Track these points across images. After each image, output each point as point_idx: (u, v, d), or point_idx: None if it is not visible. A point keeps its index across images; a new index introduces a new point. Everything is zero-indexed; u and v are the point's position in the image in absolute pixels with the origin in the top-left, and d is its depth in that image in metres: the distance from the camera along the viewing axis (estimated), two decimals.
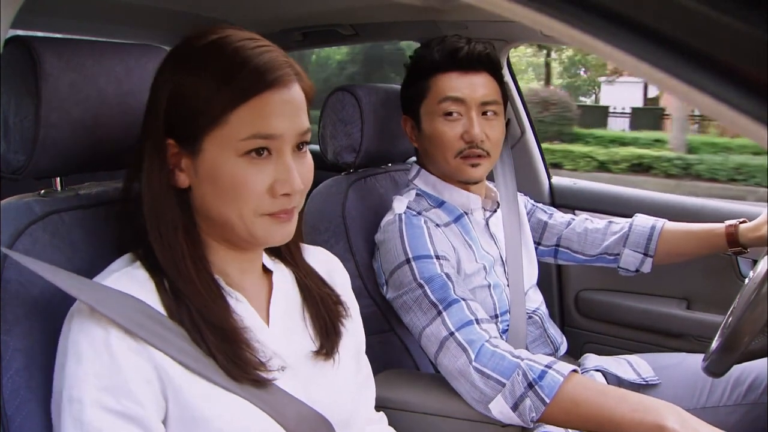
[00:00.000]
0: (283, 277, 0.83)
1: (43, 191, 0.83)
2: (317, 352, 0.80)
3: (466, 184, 1.24)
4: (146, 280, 0.71)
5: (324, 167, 1.36)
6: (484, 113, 1.19)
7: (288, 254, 0.85)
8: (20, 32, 0.81)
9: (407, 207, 1.19)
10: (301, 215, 0.77)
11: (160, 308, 0.69)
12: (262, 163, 0.70)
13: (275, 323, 0.78)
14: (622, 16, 0.35)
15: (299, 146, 0.73)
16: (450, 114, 1.17)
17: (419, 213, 1.18)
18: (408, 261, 1.11)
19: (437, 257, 1.12)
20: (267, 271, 0.82)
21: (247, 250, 0.78)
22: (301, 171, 0.72)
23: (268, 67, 0.69)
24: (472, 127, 1.16)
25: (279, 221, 0.72)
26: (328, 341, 0.82)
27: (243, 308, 0.75)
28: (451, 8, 1.45)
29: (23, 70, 0.75)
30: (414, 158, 1.38)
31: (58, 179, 0.84)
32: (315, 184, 1.33)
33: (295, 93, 0.71)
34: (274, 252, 0.85)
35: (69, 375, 0.65)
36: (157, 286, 0.70)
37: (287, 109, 0.70)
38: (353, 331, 0.90)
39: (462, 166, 1.18)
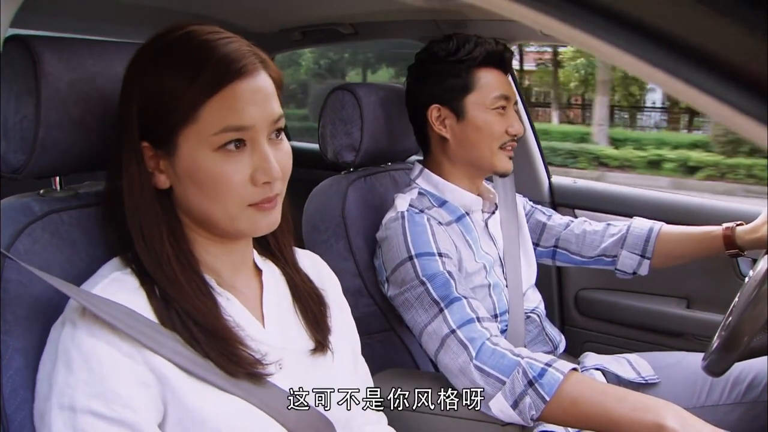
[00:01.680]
0: (273, 275, 0.83)
1: (42, 191, 0.83)
2: (314, 349, 0.81)
3: (496, 175, 1.30)
4: (137, 288, 0.70)
5: (324, 166, 1.37)
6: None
7: (278, 251, 0.85)
8: (19, 31, 0.80)
9: (410, 205, 1.19)
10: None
11: (151, 316, 0.69)
12: (238, 156, 0.69)
13: (271, 321, 0.78)
14: (622, 16, 0.35)
15: (275, 134, 0.73)
16: (498, 108, 1.22)
17: (422, 211, 1.18)
18: (411, 258, 1.12)
19: (440, 255, 1.12)
20: (258, 270, 0.82)
21: (235, 242, 0.78)
22: (279, 158, 0.72)
23: (233, 57, 0.69)
24: (517, 122, 1.24)
25: (263, 210, 0.72)
26: (320, 335, 0.82)
27: (234, 308, 0.75)
28: (452, 7, 1.45)
29: (23, 70, 0.75)
30: (414, 157, 1.37)
31: (57, 179, 0.84)
32: (315, 183, 1.34)
33: (263, 81, 0.71)
34: (265, 249, 0.85)
35: (58, 382, 0.64)
36: (148, 294, 0.70)
37: (257, 98, 0.70)
38: (346, 332, 0.90)
39: (502, 156, 1.24)
